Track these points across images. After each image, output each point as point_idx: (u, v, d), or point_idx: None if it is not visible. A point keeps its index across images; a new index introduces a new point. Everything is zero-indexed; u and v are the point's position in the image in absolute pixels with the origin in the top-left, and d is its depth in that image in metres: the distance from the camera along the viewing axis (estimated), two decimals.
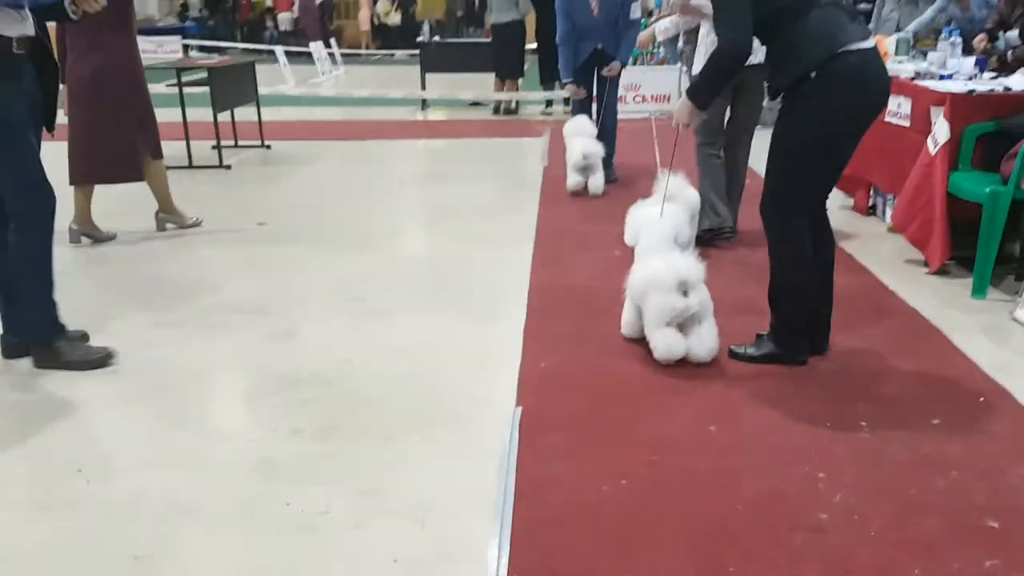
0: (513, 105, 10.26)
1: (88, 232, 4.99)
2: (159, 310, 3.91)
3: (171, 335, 3.62)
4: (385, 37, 20.91)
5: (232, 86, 7.05)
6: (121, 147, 4.81)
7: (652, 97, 9.92)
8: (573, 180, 6.04)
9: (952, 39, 4.91)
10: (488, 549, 2.14)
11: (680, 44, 10.87)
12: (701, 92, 3.14)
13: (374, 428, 2.80)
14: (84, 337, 3.43)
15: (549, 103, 10.37)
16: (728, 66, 3.01)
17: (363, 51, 19.87)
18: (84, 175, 4.82)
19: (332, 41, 16.54)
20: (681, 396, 3.00)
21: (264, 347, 3.50)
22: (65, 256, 4.36)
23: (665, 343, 3.15)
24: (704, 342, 3.17)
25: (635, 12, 6.17)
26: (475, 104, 10.83)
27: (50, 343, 3.23)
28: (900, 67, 5.00)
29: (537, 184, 6.53)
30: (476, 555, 2.13)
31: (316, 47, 14.75)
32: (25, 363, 3.28)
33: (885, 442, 2.64)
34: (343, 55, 16.65)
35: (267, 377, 3.21)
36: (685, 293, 3.09)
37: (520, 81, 10.34)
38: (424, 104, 10.72)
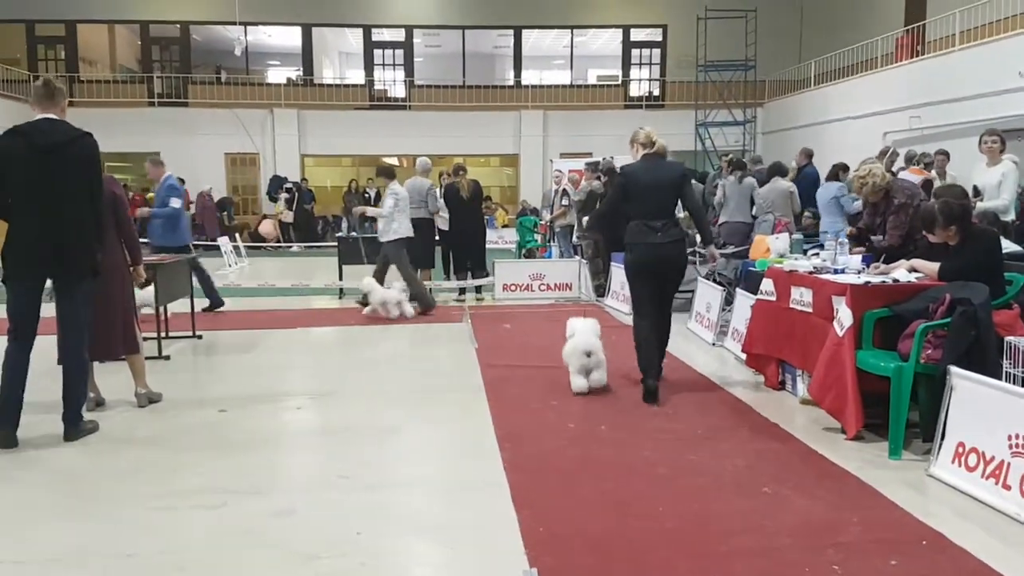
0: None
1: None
2: (149, 494, 3.99)
3: (172, 516, 3.71)
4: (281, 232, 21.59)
5: (173, 281, 7.30)
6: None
7: (555, 285, 10.91)
8: None
9: (841, 239, 5.81)
10: None
11: (575, 239, 12.38)
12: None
13: None
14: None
15: (462, 291, 10.97)
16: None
17: (268, 244, 20.42)
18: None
19: (236, 236, 17.00)
20: (673, 548, 3.38)
21: (271, 524, 3.64)
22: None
23: (576, 384, 5.81)
24: (598, 379, 5.86)
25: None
26: None
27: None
28: (799, 263, 5.82)
29: (469, 356, 7.24)
30: None
31: (224, 241, 15.19)
32: None
33: None
34: (247, 247, 17.13)
35: (286, 552, 3.35)
36: (588, 355, 5.76)
37: (431, 271, 10.95)
38: (341, 293, 11.13)
